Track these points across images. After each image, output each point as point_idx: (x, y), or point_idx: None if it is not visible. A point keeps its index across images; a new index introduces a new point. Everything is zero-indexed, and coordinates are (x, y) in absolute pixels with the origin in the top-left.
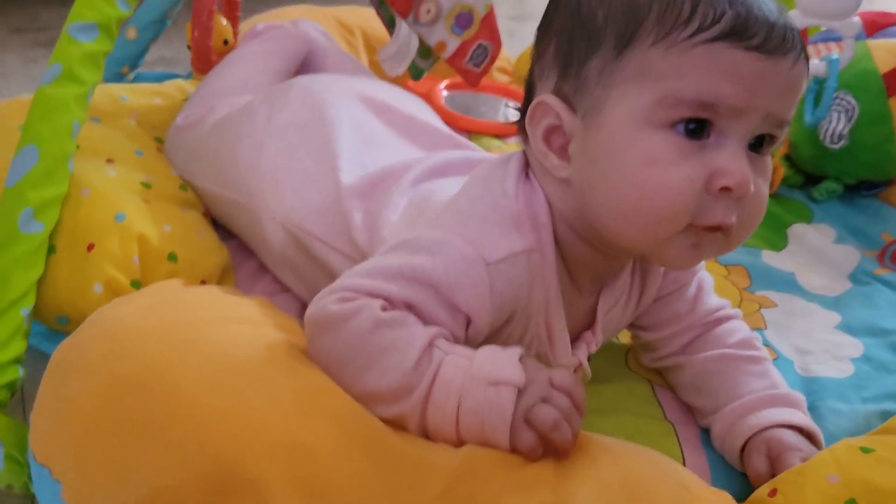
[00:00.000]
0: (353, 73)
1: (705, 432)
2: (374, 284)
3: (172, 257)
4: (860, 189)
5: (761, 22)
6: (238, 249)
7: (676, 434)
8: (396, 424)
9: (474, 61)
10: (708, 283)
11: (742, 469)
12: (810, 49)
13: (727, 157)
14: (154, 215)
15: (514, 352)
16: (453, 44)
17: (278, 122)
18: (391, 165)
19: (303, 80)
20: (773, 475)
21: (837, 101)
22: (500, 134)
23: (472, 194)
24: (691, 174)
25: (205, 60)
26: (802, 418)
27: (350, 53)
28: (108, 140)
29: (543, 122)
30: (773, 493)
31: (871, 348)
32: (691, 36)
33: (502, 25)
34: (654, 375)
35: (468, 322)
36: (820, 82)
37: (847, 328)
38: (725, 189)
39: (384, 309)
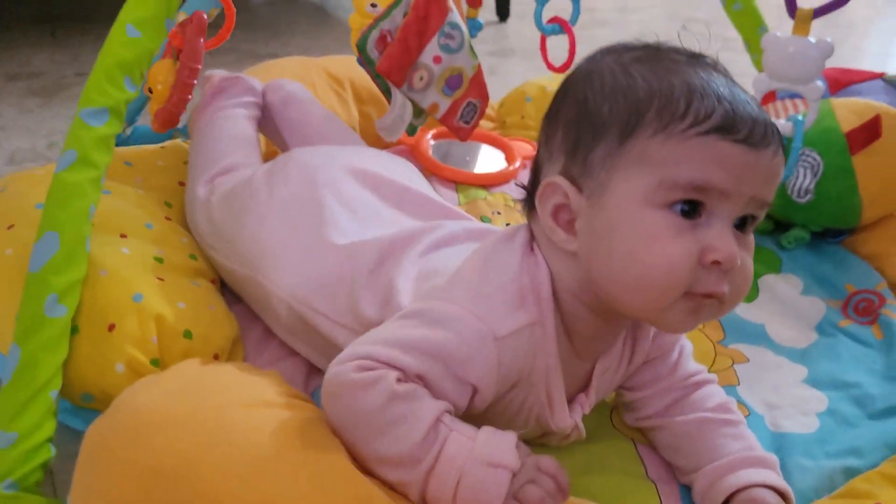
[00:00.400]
0: (343, 142)
1: (685, 489)
2: (392, 355)
3: (188, 335)
4: (826, 236)
5: (746, 118)
6: (244, 313)
7: (658, 493)
8: (397, 489)
9: (464, 118)
10: (688, 349)
11: None
12: (777, 106)
13: (717, 235)
14: (169, 293)
15: (512, 437)
16: (445, 104)
17: (278, 198)
18: (395, 237)
19: (300, 154)
20: None
21: (803, 157)
22: (485, 184)
23: (480, 270)
24: (687, 249)
25: (171, 124)
26: (777, 479)
27: (333, 114)
28: (120, 214)
29: (552, 200)
30: None
31: (835, 401)
32: (687, 129)
33: (484, 61)
34: (636, 434)
35: (475, 392)
36: (787, 141)
37: (813, 382)
38: (716, 262)
39: (399, 380)
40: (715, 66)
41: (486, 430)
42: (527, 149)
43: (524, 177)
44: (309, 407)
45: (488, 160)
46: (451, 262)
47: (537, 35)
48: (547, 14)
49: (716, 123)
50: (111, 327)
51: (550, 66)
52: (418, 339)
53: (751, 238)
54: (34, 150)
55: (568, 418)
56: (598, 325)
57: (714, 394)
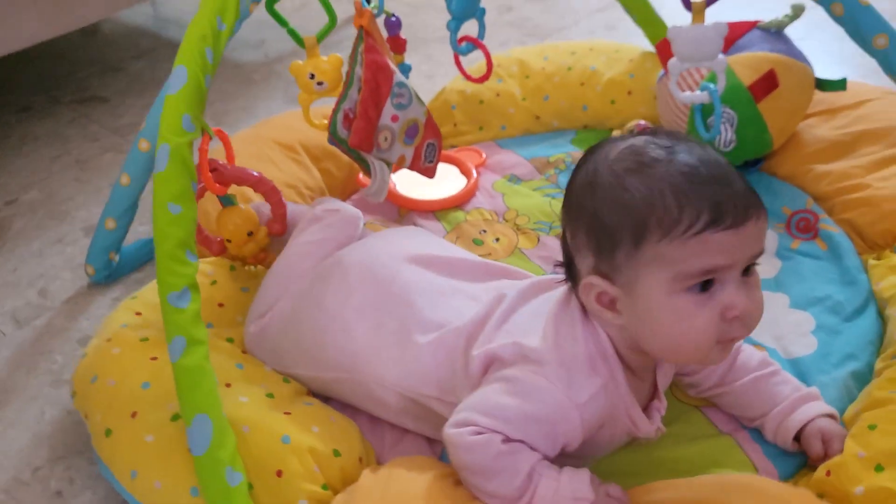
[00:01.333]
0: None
1: (754, 431)
2: (497, 425)
3: (336, 453)
4: (747, 166)
5: (729, 207)
6: (339, 408)
7: (737, 442)
8: None
9: (428, 159)
10: None
11: (792, 451)
12: (685, 78)
13: (730, 295)
14: (301, 424)
15: (587, 474)
16: (409, 153)
17: (354, 307)
18: (473, 319)
19: (350, 258)
20: (826, 455)
21: (722, 114)
22: (459, 205)
23: (553, 344)
24: (711, 315)
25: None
26: (826, 407)
27: None
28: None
29: (593, 292)
30: (828, 473)
31: (819, 317)
32: (684, 232)
33: (420, 81)
34: (697, 401)
35: (565, 444)
36: (704, 107)
37: (796, 305)
38: (737, 318)
39: (503, 441)
40: (690, 150)
41: (567, 471)
42: (475, 157)
43: (486, 181)
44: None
45: (448, 180)
46: (523, 327)
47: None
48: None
49: (706, 221)
50: (279, 473)
51: (470, 78)
52: (515, 410)
53: (756, 277)
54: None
55: (650, 425)
56: (650, 360)
57: (751, 354)
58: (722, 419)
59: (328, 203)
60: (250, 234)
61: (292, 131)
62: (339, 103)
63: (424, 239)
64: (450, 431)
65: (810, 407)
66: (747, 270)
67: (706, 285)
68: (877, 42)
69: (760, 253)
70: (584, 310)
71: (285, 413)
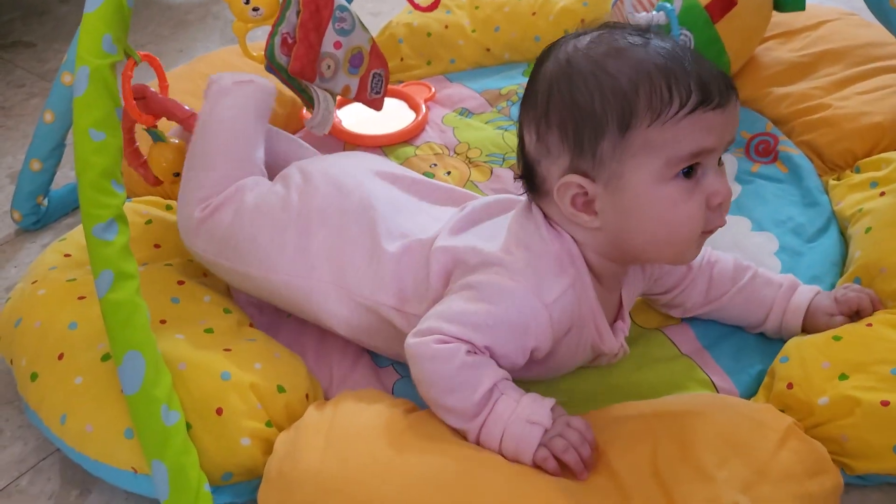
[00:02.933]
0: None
1: (718, 351)
2: (464, 333)
3: (281, 389)
4: None
5: (714, 87)
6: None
7: (697, 364)
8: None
9: (375, 90)
10: None
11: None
12: (639, 2)
13: (713, 182)
14: (243, 360)
15: (549, 402)
16: (354, 83)
17: (315, 208)
18: (438, 230)
19: (313, 165)
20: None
21: (679, 35)
22: (408, 140)
23: (517, 247)
24: (698, 202)
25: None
26: (811, 288)
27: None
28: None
29: (568, 193)
30: (790, 386)
31: (782, 238)
32: (676, 114)
33: (365, 19)
34: (659, 322)
35: (535, 348)
36: (660, 29)
37: (759, 228)
38: (718, 206)
39: (469, 352)
40: (661, 37)
41: (529, 396)
42: (423, 91)
43: (435, 115)
44: (424, 414)
45: (396, 115)
46: (485, 235)
47: None
48: None
49: (697, 100)
50: (219, 411)
51: (418, 7)
52: (483, 315)
53: (724, 167)
54: None
55: (615, 341)
56: (619, 268)
57: (724, 260)
58: (683, 340)
59: (236, 76)
60: (177, 175)
61: (230, 67)
62: (276, 26)
63: (388, 161)
64: (412, 341)
65: (802, 293)
66: (719, 161)
67: (690, 173)
68: None
69: (734, 139)
70: (545, 219)
71: (225, 350)
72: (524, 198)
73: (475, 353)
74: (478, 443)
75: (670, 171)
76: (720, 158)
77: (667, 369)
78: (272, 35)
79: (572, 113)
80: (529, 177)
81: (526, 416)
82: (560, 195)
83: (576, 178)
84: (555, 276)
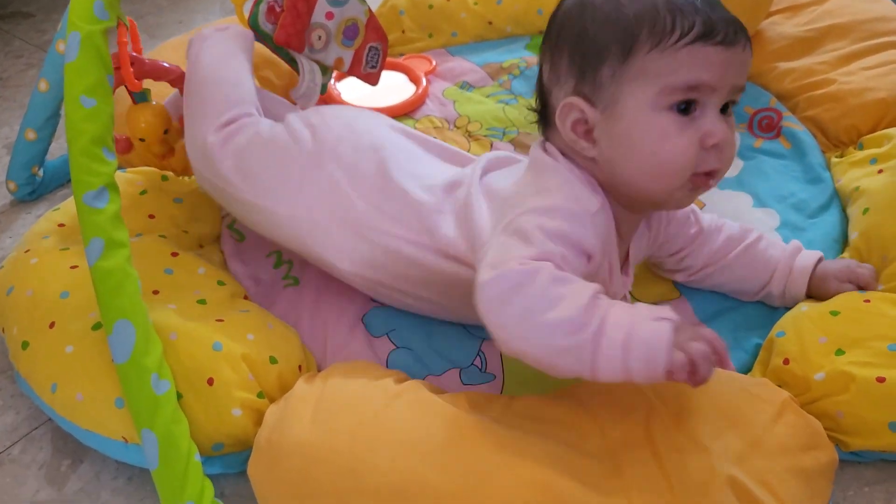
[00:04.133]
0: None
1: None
2: (539, 251)
3: (273, 360)
4: None
5: (720, 22)
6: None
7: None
8: (569, 364)
9: (370, 64)
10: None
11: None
12: None
13: (710, 123)
14: (235, 331)
15: (667, 306)
16: (348, 56)
17: (327, 143)
18: (454, 175)
19: (325, 110)
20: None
21: None
22: (408, 113)
23: (546, 175)
24: (691, 139)
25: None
26: (814, 252)
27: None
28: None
29: (570, 117)
30: (786, 361)
31: (783, 214)
32: (675, 42)
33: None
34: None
35: (590, 259)
36: None
37: (760, 203)
38: (714, 145)
39: (555, 267)
40: None
41: (641, 304)
42: (424, 64)
43: (436, 89)
44: (415, 383)
45: (396, 88)
46: (506, 182)
47: None
48: None
49: (698, 32)
50: (210, 381)
51: None
52: (549, 231)
53: (732, 119)
54: None
55: (622, 285)
56: (625, 213)
57: (731, 225)
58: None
59: (215, 25)
60: (166, 132)
61: None
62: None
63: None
64: (487, 277)
65: (805, 257)
66: (724, 110)
67: (687, 109)
68: None
69: (742, 88)
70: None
71: (217, 320)
72: (535, 149)
73: (560, 268)
74: (595, 367)
75: (665, 100)
76: (728, 108)
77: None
78: (257, 2)
79: (580, 39)
80: (543, 110)
81: (650, 314)
82: (562, 119)
83: (577, 101)
84: (590, 194)
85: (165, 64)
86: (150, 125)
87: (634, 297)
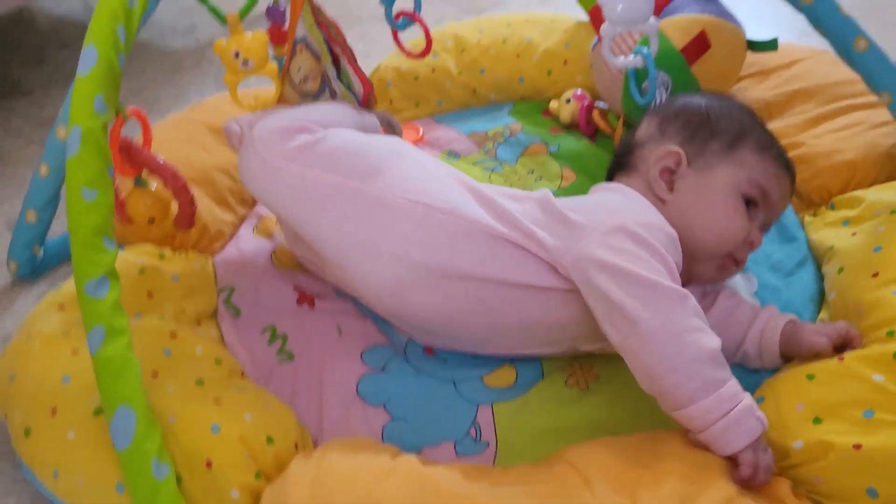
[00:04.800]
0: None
1: None
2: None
3: (270, 440)
4: None
5: (793, 174)
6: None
7: None
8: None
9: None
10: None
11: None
12: (618, 43)
13: (756, 231)
14: (232, 412)
15: None
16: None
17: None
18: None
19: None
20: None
21: (656, 78)
22: None
23: (635, 197)
24: (747, 227)
25: (192, 224)
26: (786, 315)
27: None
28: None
29: (664, 162)
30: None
31: (760, 275)
32: (769, 154)
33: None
34: None
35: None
36: (638, 72)
37: None
38: (751, 244)
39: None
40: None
41: None
42: (412, 134)
43: None
44: (409, 458)
45: None
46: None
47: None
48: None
49: (784, 161)
50: (209, 464)
51: (409, 54)
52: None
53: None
54: None
55: None
56: None
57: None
58: None
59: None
60: (151, 220)
61: (223, 114)
62: (339, 77)
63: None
64: (651, 326)
65: (780, 315)
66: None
67: (749, 206)
68: None
69: (770, 225)
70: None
71: (215, 400)
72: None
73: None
74: (706, 401)
75: (745, 188)
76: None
77: (647, 405)
78: (338, 78)
79: (700, 117)
80: (623, 156)
81: (755, 410)
82: (657, 161)
83: (681, 153)
84: (673, 249)
85: (160, 160)
86: (147, 208)
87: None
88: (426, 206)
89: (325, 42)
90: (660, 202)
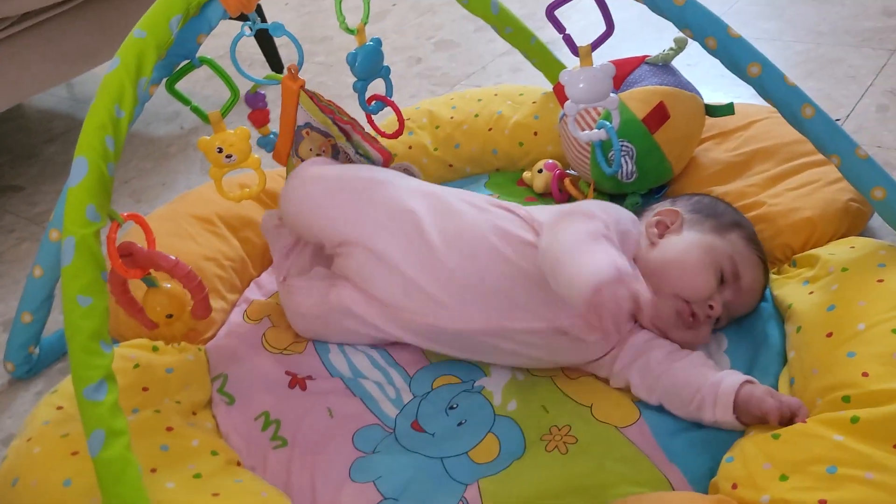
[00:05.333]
0: None
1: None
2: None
3: None
4: (653, 193)
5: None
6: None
7: (654, 464)
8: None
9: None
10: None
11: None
12: (581, 119)
13: (718, 298)
14: (230, 501)
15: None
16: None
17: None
18: None
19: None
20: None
21: (621, 149)
22: None
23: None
24: (712, 287)
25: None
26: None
27: None
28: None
29: (662, 216)
30: (734, 486)
31: (730, 335)
32: (754, 248)
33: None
34: (617, 421)
35: None
36: (603, 143)
37: None
38: (711, 308)
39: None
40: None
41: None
42: None
43: None
44: None
45: None
46: None
47: None
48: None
49: (764, 262)
50: None
51: (384, 135)
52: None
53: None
54: None
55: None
56: None
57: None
58: (640, 439)
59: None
60: (170, 316)
61: (209, 204)
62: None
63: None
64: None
65: (734, 375)
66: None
67: (722, 280)
68: (750, 70)
69: (733, 314)
70: None
71: (213, 495)
72: None
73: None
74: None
75: (722, 261)
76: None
77: (627, 468)
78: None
79: (708, 204)
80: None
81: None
82: (657, 213)
83: (681, 212)
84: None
85: (170, 257)
86: (164, 307)
87: (596, 418)
88: (432, 193)
89: (335, 123)
90: (649, 244)
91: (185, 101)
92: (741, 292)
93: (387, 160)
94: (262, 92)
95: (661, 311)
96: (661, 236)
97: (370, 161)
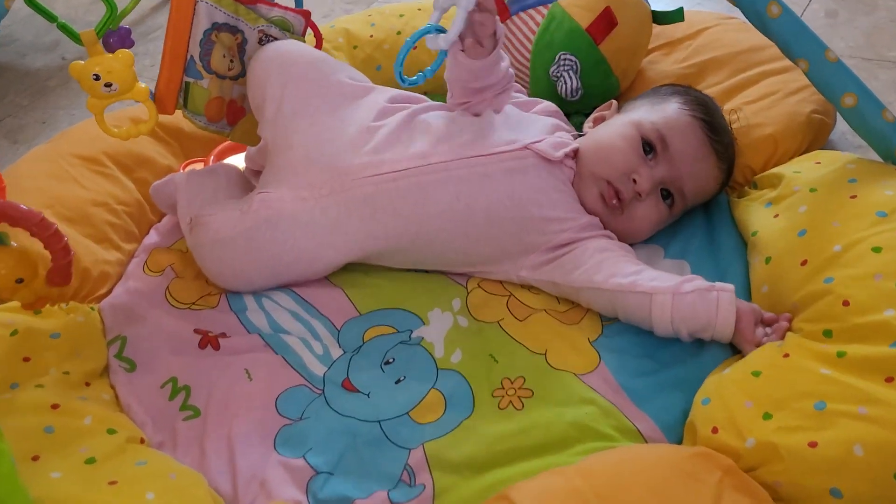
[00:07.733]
0: None
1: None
2: None
3: None
4: None
5: (723, 133)
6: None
7: (621, 411)
8: None
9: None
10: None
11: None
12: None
13: (644, 171)
14: (131, 494)
15: None
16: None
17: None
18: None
19: None
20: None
21: (564, 62)
22: None
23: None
24: (631, 160)
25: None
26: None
27: None
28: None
29: (600, 111)
30: (715, 430)
31: (694, 261)
32: (689, 113)
33: None
34: (576, 368)
35: None
36: (545, 59)
37: (671, 255)
38: (635, 182)
39: None
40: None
41: None
42: None
43: None
44: None
45: None
46: None
47: None
48: None
49: (706, 122)
50: None
51: None
52: None
53: (663, 207)
54: None
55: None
56: None
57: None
58: (602, 385)
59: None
60: (20, 280)
61: (95, 141)
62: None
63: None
64: None
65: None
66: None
67: (648, 152)
68: None
69: (672, 178)
70: None
71: (111, 483)
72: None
73: None
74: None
75: (644, 129)
76: (671, 199)
77: (591, 421)
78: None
79: (653, 91)
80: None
81: None
82: (598, 110)
83: (615, 102)
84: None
85: (23, 207)
86: (10, 269)
87: (552, 366)
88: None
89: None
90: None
91: (51, 17)
92: (675, 161)
93: (306, 18)
94: (126, 27)
95: (586, 200)
96: (594, 126)
97: (291, 31)
